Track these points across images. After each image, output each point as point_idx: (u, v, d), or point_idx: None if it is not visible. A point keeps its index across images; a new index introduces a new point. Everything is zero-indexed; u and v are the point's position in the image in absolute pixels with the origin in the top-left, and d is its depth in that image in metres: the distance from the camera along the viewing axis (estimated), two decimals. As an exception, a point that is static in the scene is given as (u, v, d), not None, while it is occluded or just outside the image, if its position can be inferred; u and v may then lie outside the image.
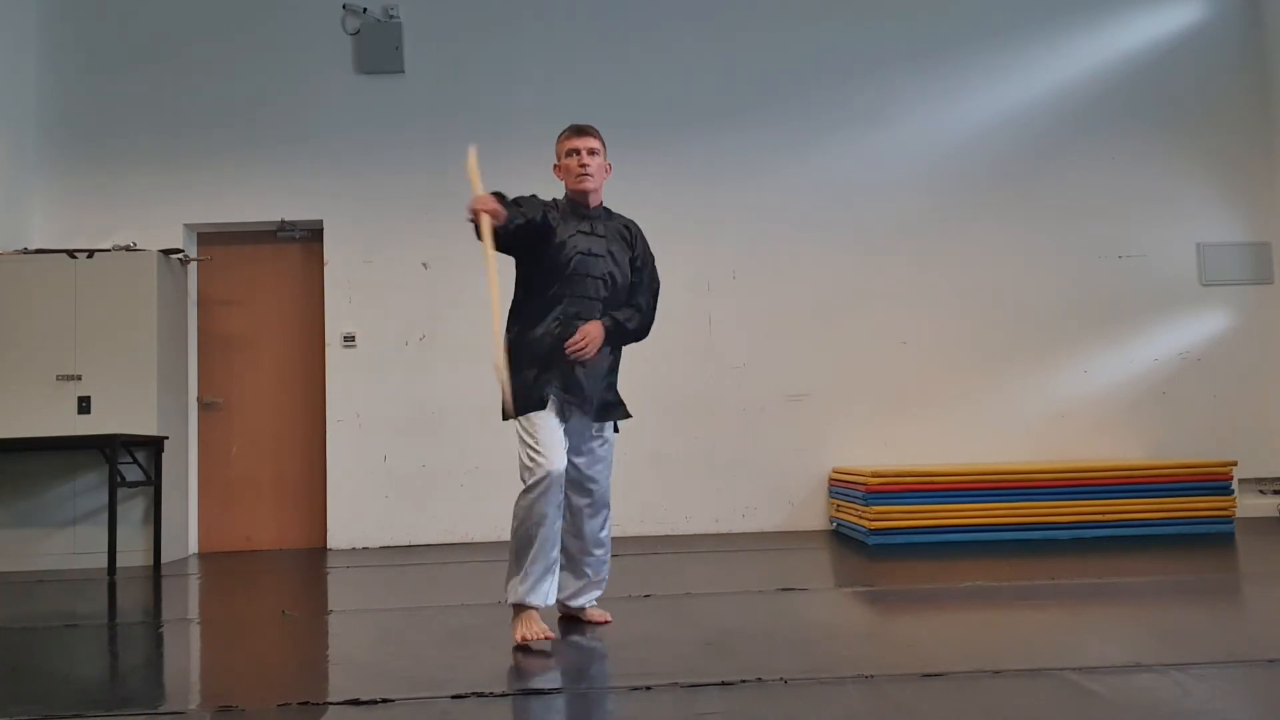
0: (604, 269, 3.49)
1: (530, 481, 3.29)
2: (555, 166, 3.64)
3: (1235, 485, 6.04)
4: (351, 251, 6.78)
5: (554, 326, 3.41)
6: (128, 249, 6.31)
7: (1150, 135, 6.98)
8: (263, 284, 6.94)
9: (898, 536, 5.76)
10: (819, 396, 6.77)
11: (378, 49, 6.88)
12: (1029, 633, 3.47)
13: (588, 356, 3.39)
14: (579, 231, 3.51)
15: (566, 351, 3.36)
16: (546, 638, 3.25)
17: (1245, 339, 6.87)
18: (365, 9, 6.91)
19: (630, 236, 3.63)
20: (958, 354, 6.81)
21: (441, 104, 6.88)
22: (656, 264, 3.68)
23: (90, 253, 6.21)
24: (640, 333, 3.58)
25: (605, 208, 3.65)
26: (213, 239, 6.95)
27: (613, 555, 5.20)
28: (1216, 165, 6.98)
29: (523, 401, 3.35)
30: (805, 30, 7.01)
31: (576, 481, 3.50)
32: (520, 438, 3.36)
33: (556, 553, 3.38)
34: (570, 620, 3.64)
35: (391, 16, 6.92)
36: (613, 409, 3.56)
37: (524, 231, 3.36)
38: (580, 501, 3.52)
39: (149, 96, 6.90)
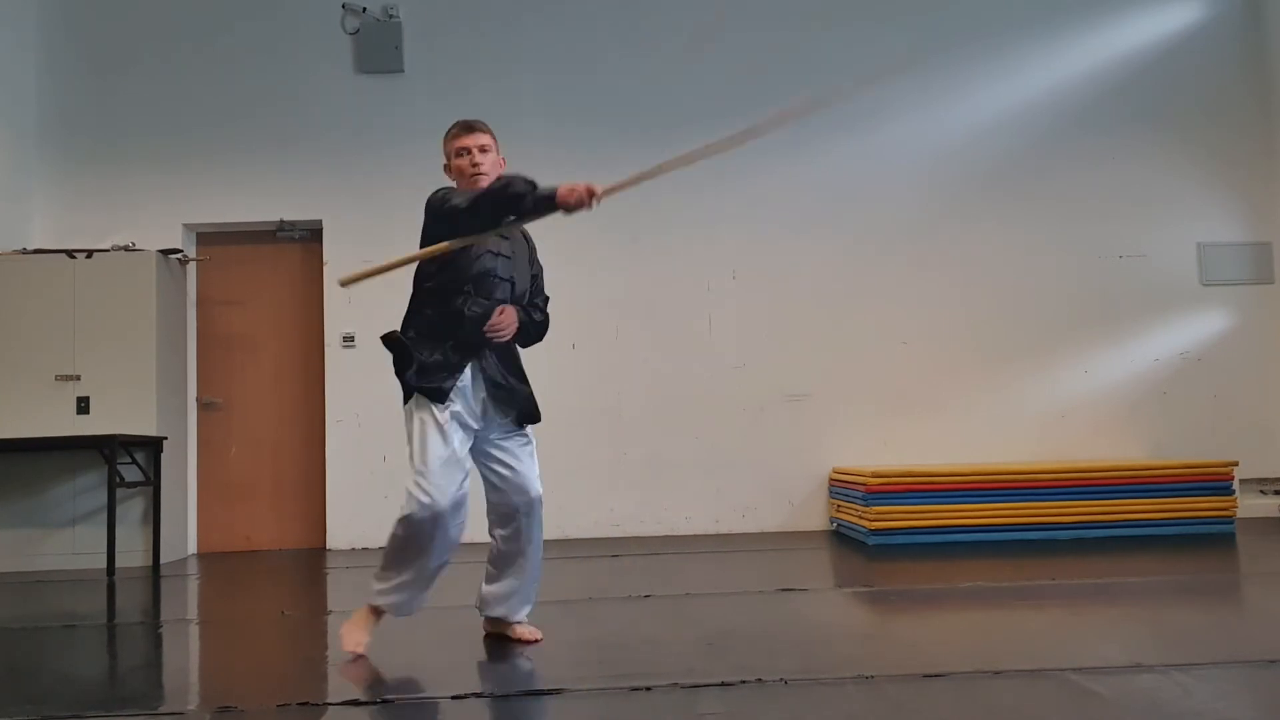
0: (508, 271, 3.32)
1: (411, 514, 3.08)
2: (445, 167, 3.43)
3: (1236, 485, 6.04)
4: (351, 251, 6.76)
5: (469, 308, 3.20)
6: (127, 249, 6.31)
7: (1150, 135, 6.98)
8: (262, 284, 6.94)
9: (898, 537, 5.76)
10: (819, 396, 6.76)
11: (378, 49, 6.88)
12: (1029, 633, 3.47)
13: (504, 338, 3.25)
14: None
15: (485, 332, 3.19)
16: (356, 653, 3.13)
17: (1245, 339, 6.87)
18: (365, 9, 6.91)
19: (529, 241, 3.49)
20: (958, 354, 6.81)
21: (441, 104, 6.86)
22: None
23: (90, 253, 6.21)
24: (541, 332, 3.46)
25: None
26: (212, 239, 6.94)
27: (613, 555, 5.18)
28: (1216, 165, 6.97)
29: (422, 379, 3.15)
30: (805, 30, 7.00)
31: (505, 486, 3.30)
32: (410, 446, 3.16)
33: (434, 576, 3.26)
34: (501, 637, 3.41)
35: (391, 16, 6.91)
36: (529, 409, 3.36)
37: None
38: (515, 503, 3.30)
39: (149, 96, 6.89)
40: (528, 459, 3.35)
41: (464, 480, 3.19)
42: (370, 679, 2.95)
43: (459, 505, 3.17)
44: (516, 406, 3.33)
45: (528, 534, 3.33)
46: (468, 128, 3.40)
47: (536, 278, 3.50)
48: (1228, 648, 3.03)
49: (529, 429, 3.40)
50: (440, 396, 3.16)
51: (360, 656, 3.14)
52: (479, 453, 3.33)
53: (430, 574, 3.25)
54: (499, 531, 3.37)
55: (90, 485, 5.95)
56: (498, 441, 3.32)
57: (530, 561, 3.37)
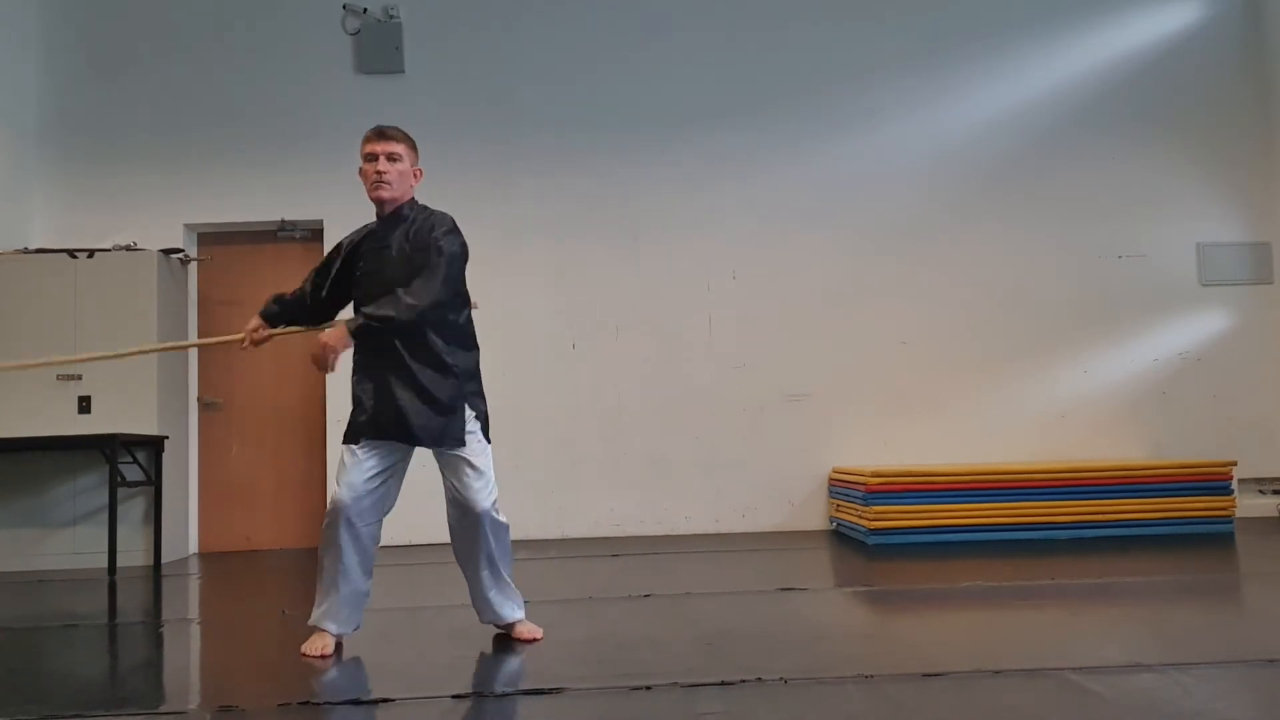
0: (388, 279, 3.25)
1: (327, 511, 3.28)
2: (359, 170, 3.37)
3: (1235, 485, 6.05)
4: (351, 251, 6.78)
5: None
6: (128, 249, 6.31)
7: (1150, 135, 6.98)
8: (263, 284, 6.88)
9: (897, 536, 5.76)
10: (819, 396, 6.76)
11: (378, 49, 6.88)
12: (1029, 633, 3.48)
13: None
14: (368, 249, 3.34)
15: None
16: (324, 656, 3.21)
17: (1245, 339, 6.87)
18: (365, 9, 6.91)
19: (419, 233, 3.29)
20: (958, 354, 6.81)
21: (441, 105, 6.87)
22: (463, 246, 3.32)
23: (90, 253, 6.21)
24: (396, 320, 3.14)
25: (415, 209, 3.38)
26: (213, 239, 6.94)
27: (613, 555, 5.18)
28: (1216, 165, 6.98)
29: (347, 430, 3.34)
30: (805, 30, 7.01)
31: (452, 501, 3.33)
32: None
33: (358, 584, 3.30)
34: (502, 636, 3.45)
35: (391, 16, 6.92)
36: (430, 431, 3.22)
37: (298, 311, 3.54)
38: (453, 515, 3.35)
39: (149, 96, 6.89)
40: (467, 476, 3.27)
41: (374, 491, 3.26)
42: (370, 679, 2.95)
43: (364, 508, 3.25)
44: (426, 432, 3.22)
45: (478, 545, 3.32)
46: (379, 133, 3.35)
47: (422, 252, 3.24)
48: (1227, 647, 3.04)
49: (469, 446, 3.29)
50: (353, 437, 3.29)
51: (327, 656, 3.22)
52: (439, 463, 3.38)
53: (348, 574, 3.27)
54: (455, 541, 3.41)
55: (91, 485, 5.96)
56: (439, 457, 3.33)
57: (488, 570, 3.36)
